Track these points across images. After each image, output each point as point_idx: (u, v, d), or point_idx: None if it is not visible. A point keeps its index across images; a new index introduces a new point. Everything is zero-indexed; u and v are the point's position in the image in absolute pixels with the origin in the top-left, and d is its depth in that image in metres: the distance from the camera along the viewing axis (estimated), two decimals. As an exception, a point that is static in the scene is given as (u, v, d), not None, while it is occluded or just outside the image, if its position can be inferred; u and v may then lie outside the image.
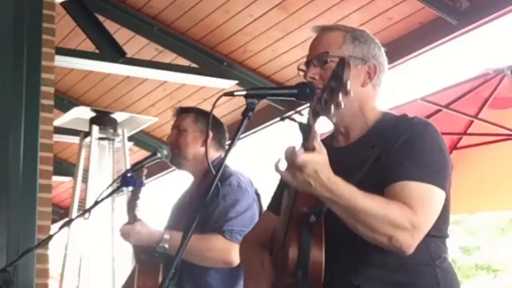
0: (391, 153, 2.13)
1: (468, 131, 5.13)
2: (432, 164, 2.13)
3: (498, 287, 13.92)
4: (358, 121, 2.27)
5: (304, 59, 2.32)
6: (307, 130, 1.90)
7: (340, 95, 1.84)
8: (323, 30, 2.32)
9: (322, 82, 2.12)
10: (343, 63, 1.89)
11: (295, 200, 2.11)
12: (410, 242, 2.04)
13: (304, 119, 1.92)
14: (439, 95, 4.84)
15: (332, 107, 1.84)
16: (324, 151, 1.93)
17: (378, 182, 2.10)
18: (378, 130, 2.24)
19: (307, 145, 1.90)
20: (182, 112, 3.64)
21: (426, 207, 2.08)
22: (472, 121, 5.05)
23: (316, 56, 2.26)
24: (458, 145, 5.22)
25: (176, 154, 3.54)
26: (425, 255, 2.14)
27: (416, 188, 2.07)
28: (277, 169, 1.93)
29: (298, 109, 2.00)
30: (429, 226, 2.09)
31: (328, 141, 2.35)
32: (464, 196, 5.05)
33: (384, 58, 2.32)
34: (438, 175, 2.12)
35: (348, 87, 1.84)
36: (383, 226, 2.00)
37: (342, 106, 1.84)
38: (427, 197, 2.08)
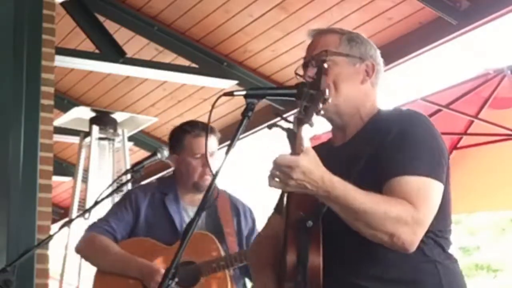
0: (384, 146, 2.13)
1: (468, 131, 5.13)
2: (427, 156, 2.13)
3: (498, 287, 13.91)
4: (354, 119, 2.29)
5: (303, 60, 2.34)
6: (293, 137, 1.93)
7: (320, 103, 1.91)
8: (319, 33, 2.36)
9: None
10: (319, 71, 1.96)
11: (290, 205, 2.13)
12: (412, 238, 2.03)
13: (291, 125, 1.96)
14: (439, 95, 4.84)
15: (314, 114, 1.91)
16: (313, 153, 1.95)
17: (375, 178, 2.10)
18: (372, 125, 2.25)
19: (293, 152, 1.93)
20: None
21: (426, 201, 2.07)
22: (472, 121, 5.05)
23: (314, 56, 2.29)
24: (458, 145, 5.22)
25: None
26: (426, 252, 2.14)
27: (414, 182, 2.07)
28: (269, 183, 1.94)
29: (285, 115, 2.03)
30: (430, 220, 2.08)
31: (328, 142, 2.39)
32: (464, 196, 5.05)
33: (380, 60, 2.36)
34: (433, 167, 2.12)
35: (326, 95, 1.92)
36: (384, 224, 2.00)
37: (322, 112, 1.92)
38: (425, 191, 2.08)
